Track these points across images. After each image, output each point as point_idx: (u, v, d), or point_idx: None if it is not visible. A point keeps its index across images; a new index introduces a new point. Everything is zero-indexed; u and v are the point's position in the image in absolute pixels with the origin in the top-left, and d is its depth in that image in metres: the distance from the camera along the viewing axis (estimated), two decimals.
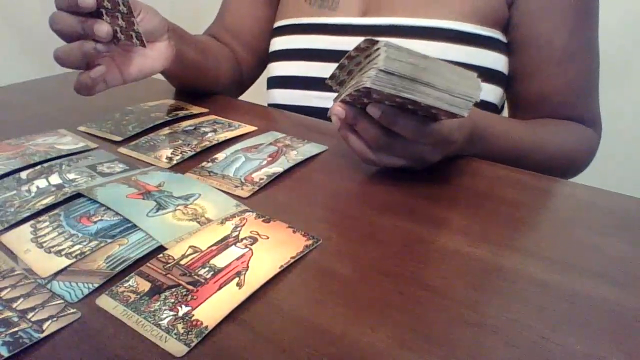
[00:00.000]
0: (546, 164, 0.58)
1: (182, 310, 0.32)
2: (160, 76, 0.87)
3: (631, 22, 1.10)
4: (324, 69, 0.68)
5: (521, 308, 0.34)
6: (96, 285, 0.35)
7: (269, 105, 0.77)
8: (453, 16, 0.62)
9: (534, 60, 0.63)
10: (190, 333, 0.31)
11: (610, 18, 1.06)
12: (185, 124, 0.63)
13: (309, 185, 0.50)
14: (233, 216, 0.43)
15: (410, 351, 0.30)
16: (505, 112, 0.74)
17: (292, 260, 0.37)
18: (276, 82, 0.74)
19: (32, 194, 0.46)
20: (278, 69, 0.74)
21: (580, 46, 0.62)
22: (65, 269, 0.36)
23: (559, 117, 0.64)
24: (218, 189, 0.48)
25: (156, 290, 0.34)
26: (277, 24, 0.75)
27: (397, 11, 0.64)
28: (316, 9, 0.70)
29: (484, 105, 0.64)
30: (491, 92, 0.65)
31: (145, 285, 0.34)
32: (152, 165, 0.53)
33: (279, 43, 0.74)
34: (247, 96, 0.84)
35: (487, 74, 0.63)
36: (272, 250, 0.38)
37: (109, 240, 0.39)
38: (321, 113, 0.69)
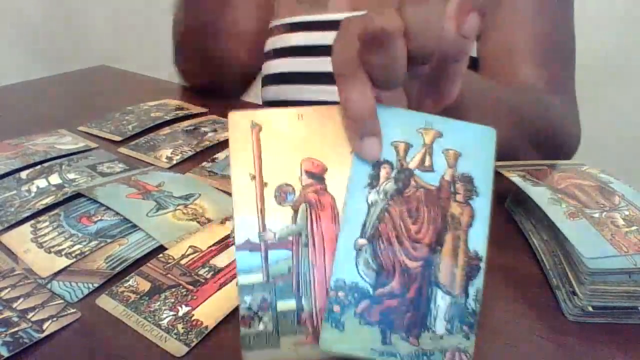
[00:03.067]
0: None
1: (182, 310, 0.32)
2: (160, 76, 0.87)
3: (631, 21, 1.10)
4: (318, 63, 0.68)
5: (521, 308, 0.34)
6: (96, 285, 0.35)
7: (264, 103, 0.77)
8: None
9: (500, 14, 0.62)
10: (190, 333, 0.31)
11: (611, 15, 1.06)
12: (185, 124, 0.63)
13: None
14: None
15: None
16: None
17: None
18: (271, 79, 0.75)
19: (32, 194, 0.46)
20: (273, 66, 0.74)
21: (551, 12, 0.62)
22: (65, 269, 0.36)
23: (524, 73, 0.62)
24: (218, 189, 0.48)
25: (156, 290, 0.34)
26: (271, 24, 0.76)
27: (385, 4, 0.65)
28: (307, 7, 0.71)
29: None
30: None
31: (145, 285, 0.34)
32: (152, 165, 0.53)
33: (272, 42, 0.74)
34: (247, 96, 0.84)
35: None
36: None
37: (109, 240, 0.39)
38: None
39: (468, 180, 0.27)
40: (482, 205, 0.27)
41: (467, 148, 0.27)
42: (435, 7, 0.26)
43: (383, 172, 0.27)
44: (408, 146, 0.27)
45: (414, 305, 0.25)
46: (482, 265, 0.26)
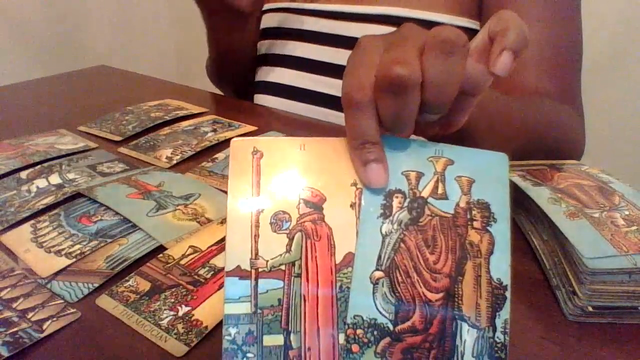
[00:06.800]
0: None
1: (182, 310, 0.32)
2: (160, 76, 0.87)
3: (630, 18, 1.09)
4: (317, 51, 0.68)
5: (521, 308, 0.34)
6: (96, 285, 0.35)
7: (258, 87, 0.77)
8: (443, 9, 0.61)
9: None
10: (190, 333, 0.31)
11: (610, 14, 1.06)
12: (185, 124, 0.63)
13: None
14: None
15: None
16: None
17: None
18: (266, 61, 0.74)
19: (32, 194, 0.46)
20: (266, 47, 0.74)
21: (559, 18, 0.61)
22: (65, 268, 0.36)
23: (532, 82, 0.61)
24: (218, 189, 0.48)
25: (156, 290, 0.34)
26: (268, 5, 0.75)
27: (390, 0, 0.64)
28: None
29: None
30: None
31: (145, 285, 0.34)
32: (152, 165, 0.53)
33: (268, 21, 0.74)
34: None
35: None
36: None
37: (109, 240, 0.39)
38: (315, 97, 0.69)
39: (485, 206, 0.26)
40: (502, 231, 0.25)
41: (480, 174, 0.26)
42: (457, 63, 0.25)
43: (396, 202, 0.26)
44: (419, 175, 0.26)
45: (439, 342, 0.24)
46: (508, 294, 0.24)
